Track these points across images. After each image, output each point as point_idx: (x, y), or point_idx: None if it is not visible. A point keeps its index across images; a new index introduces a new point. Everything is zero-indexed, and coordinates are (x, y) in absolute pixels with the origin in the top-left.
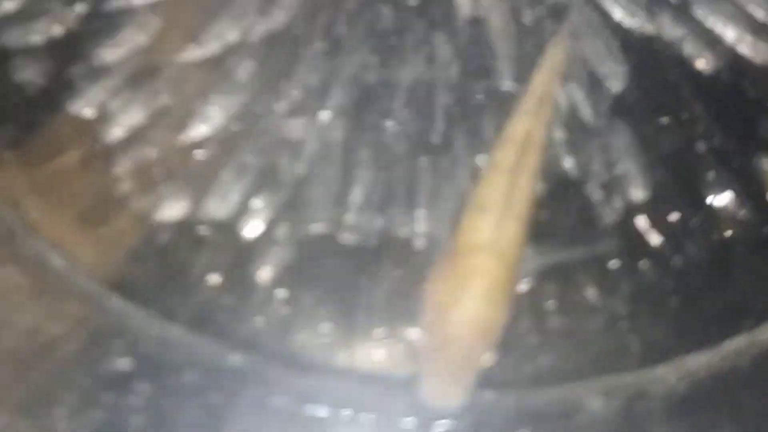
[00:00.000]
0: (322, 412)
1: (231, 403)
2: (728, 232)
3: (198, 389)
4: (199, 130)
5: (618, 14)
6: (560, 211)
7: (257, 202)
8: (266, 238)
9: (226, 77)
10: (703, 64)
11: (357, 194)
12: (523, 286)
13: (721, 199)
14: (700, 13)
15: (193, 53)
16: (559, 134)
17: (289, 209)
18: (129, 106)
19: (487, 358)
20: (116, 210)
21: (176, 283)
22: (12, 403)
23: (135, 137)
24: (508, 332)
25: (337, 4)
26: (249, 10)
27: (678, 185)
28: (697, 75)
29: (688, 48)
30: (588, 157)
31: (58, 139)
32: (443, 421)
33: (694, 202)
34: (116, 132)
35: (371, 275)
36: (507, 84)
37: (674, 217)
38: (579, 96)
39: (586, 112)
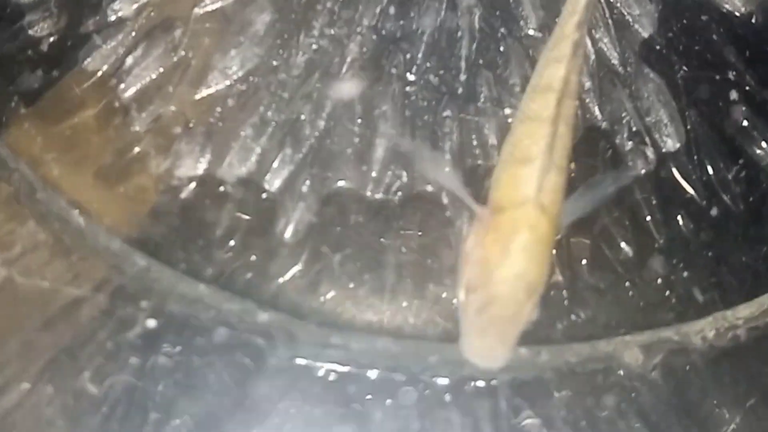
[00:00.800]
0: (351, 371)
1: (259, 363)
2: (764, 181)
3: (226, 349)
4: (218, 84)
5: None
6: (591, 162)
7: (279, 159)
8: (290, 195)
9: (243, 29)
10: (732, 7)
11: (380, 149)
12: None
13: (756, 148)
14: None
15: (209, 5)
16: (588, 82)
17: (312, 165)
18: (145, 61)
19: (533, 316)
20: (136, 167)
21: (200, 240)
22: (36, 368)
23: (152, 93)
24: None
25: None
26: None
27: (711, 134)
28: (728, 18)
29: None
30: (618, 106)
31: (75, 96)
32: (478, 380)
33: (729, 151)
34: (133, 88)
35: (398, 231)
36: (531, 30)
37: (708, 166)
38: (606, 42)
39: (615, 59)
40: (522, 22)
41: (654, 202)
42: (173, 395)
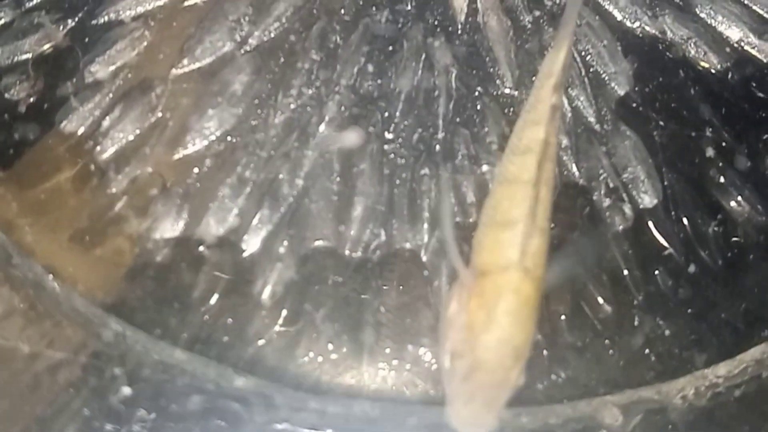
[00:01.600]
0: None
1: (236, 428)
2: (742, 236)
3: (202, 415)
4: (195, 144)
5: (619, 15)
6: (569, 219)
7: (257, 218)
8: (267, 255)
9: (221, 89)
10: (708, 64)
11: (359, 207)
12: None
13: (733, 203)
14: (704, 13)
15: (187, 66)
16: (564, 140)
17: (290, 225)
18: (122, 123)
19: (520, 381)
20: (112, 230)
21: (176, 304)
22: None
23: (129, 154)
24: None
25: (332, 13)
26: (242, 21)
27: (688, 190)
28: (703, 75)
29: (693, 49)
30: (595, 163)
31: (51, 159)
32: None
33: (706, 206)
34: (110, 150)
35: (376, 290)
36: (508, 89)
37: (686, 223)
38: (583, 100)
39: (591, 117)
40: (498, 81)
41: (632, 258)
42: None
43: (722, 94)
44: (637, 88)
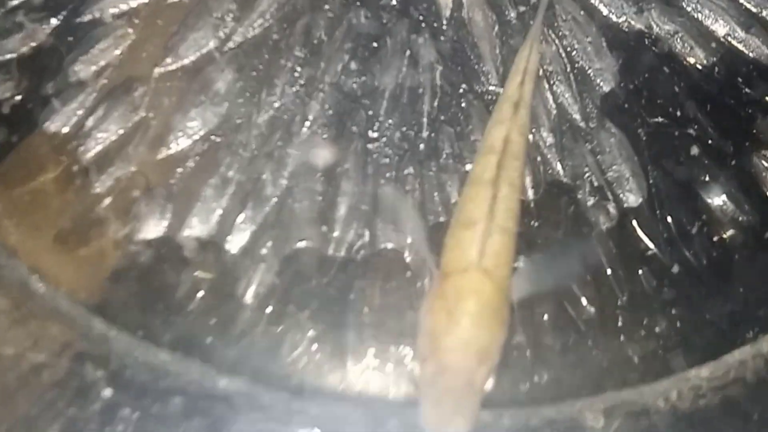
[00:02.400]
0: None
1: (219, 429)
2: (727, 236)
3: (185, 416)
4: (179, 144)
5: (605, 10)
6: (553, 218)
7: (240, 218)
8: (251, 256)
9: (204, 89)
10: (695, 59)
11: (342, 207)
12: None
13: (719, 202)
14: (691, 7)
15: (170, 64)
16: (549, 138)
17: (274, 225)
18: (105, 123)
19: (490, 382)
20: (96, 231)
21: (160, 304)
22: None
23: (112, 154)
24: (502, 350)
25: (316, 10)
26: (225, 18)
27: (673, 189)
28: (689, 71)
29: (680, 43)
30: (580, 161)
31: (35, 159)
32: None
33: (691, 205)
34: (93, 150)
35: (360, 291)
36: (492, 86)
37: (670, 222)
38: (568, 96)
39: (576, 113)
40: (483, 78)
41: (616, 258)
42: None
43: (708, 90)
44: (622, 84)
